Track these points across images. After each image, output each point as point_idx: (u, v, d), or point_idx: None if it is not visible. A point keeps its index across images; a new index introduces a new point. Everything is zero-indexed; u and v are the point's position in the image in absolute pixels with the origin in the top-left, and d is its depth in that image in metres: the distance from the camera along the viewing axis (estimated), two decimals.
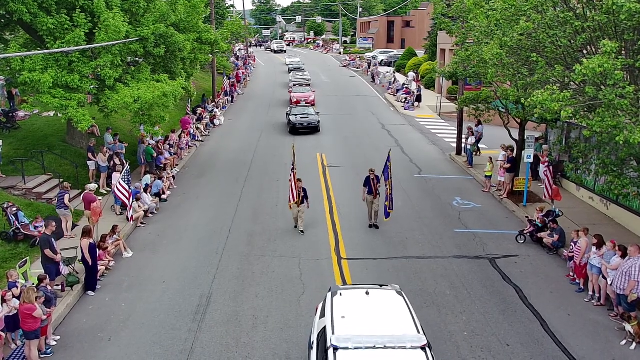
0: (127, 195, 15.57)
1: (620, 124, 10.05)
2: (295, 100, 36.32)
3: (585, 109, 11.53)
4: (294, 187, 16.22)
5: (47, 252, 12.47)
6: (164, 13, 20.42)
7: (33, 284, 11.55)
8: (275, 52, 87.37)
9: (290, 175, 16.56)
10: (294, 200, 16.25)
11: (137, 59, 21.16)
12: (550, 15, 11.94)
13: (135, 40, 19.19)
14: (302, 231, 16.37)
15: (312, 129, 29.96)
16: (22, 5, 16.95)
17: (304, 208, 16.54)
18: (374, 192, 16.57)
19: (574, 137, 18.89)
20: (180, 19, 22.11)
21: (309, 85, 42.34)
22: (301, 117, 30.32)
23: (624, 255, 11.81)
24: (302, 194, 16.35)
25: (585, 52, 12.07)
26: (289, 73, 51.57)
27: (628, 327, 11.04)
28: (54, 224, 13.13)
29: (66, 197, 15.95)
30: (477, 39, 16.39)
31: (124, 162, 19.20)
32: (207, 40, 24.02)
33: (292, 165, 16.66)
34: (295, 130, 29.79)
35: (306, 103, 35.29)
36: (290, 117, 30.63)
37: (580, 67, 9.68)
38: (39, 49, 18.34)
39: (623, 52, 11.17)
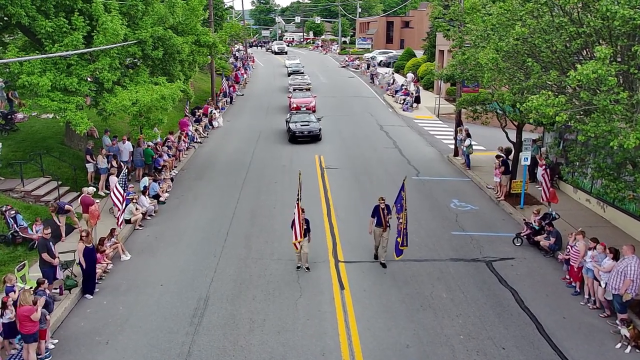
0: (120, 200, 15.51)
1: (615, 129, 10.11)
2: (295, 105, 35.08)
3: (581, 113, 11.60)
4: (297, 222, 13.60)
5: (45, 255, 12.52)
6: (162, 16, 20.48)
7: (31, 287, 11.60)
8: (276, 53, 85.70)
9: (295, 207, 13.78)
10: (299, 237, 13.69)
11: (135, 60, 21.21)
12: (545, 20, 12.00)
13: (134, 43, 19.25)
14: (307, 268, 14.33)
15: (312, 138, 28.55)
16: (21, 8, 16.97)
17: (307, 242, 14.28)
18: (384, 224, 14.29)
19: (571, 140, 18.96)
20: (179, 21, 22.17)
21: (309, 89, 41.61)
22: (301, 125, 28.94)
23: (615, 257, 11.88)
24: (305, 226, 13.98)
25: (580, 57, 12.13)
26: (289, 76, 50.42)
27: (624, 331, 11.09)
28: (49, 228, 13.16)
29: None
30: (474, 42, 16.44)
31: (122, 165, 19.25)
32: (205, 42, 24.07)
33: (298, 195, 13.93)
34: (295, 138, 28.44)
35: (306, 109, 34.26)
36: (290, 124, 29.22)
37: (574, 73, 9.74)
38: (37, 51, 18.37)
39: (619, 57, 11.24)
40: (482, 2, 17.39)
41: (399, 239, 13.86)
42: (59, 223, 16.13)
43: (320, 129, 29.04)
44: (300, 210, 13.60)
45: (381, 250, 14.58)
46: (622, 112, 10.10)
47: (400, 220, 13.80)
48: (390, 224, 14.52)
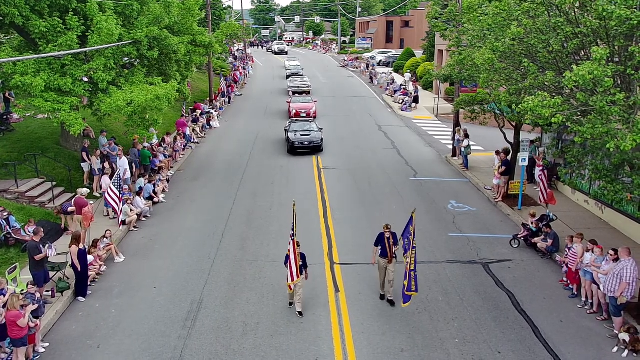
0: (117, 200, 15.50)
1: (612, 131, 9.98)
2: (294, 111, 33.25)
3: (578, 114, 11.47)
4: (293, 259, 11.75)
5: (37, 257, 12.36)
6: (158, 16, 20.35)
7: (22, 290, 11.48)
8: (276, 53, 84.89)
9: (290, 243, 11.87)
10: (294, 278, 11.83)
11: (131, 60, 21.07)
12: (542, 21, 11.87)
13: (129, 43, 19.12)
14: (300, 313, 12.27)
15: (313, 149, 26.23)
16: (14, 8, 16.85)
17: (302, 281, 12.27)
18: (389, 255, 12.59)
19: (568, 141, 18.82)
20: (174, 21, 22.04)
21: (309, 93, 40.73)
22: (302, 135, 26.67)
23: (617, 258, 11.74)
24: (301, 263, 12.12)
25: (577, 57, 11.99)
26: (287, 79, 49.00)
27: (623, 336, 10.94)
28: (41, 230, 13.03)
29: None
30: (470, 42, 16.30)
31: (115, 166, 19.11)
32: (201, 42, 23.95)
33: (292, 230, 11.86)
34: (294, 150, 26.19)
35: (307, 115, 32.52)
36: (289, 134, 26.88)
37: (570, 74, 9.60)
38: (31, 51, 18.25)
39: (616, 58, 11.10)
40: (479, 1, 17.26)
41: (404, 282, 11.63)
42: (61, 223, 16.49)
43: (322, 139, 26.87)
44: (295, 246, 11.75)
45: (387, 286, 12.83)
46: (619, 114, 9.97)
47: (407, 260, 11.65)
48: (396, 255, 12.83)
